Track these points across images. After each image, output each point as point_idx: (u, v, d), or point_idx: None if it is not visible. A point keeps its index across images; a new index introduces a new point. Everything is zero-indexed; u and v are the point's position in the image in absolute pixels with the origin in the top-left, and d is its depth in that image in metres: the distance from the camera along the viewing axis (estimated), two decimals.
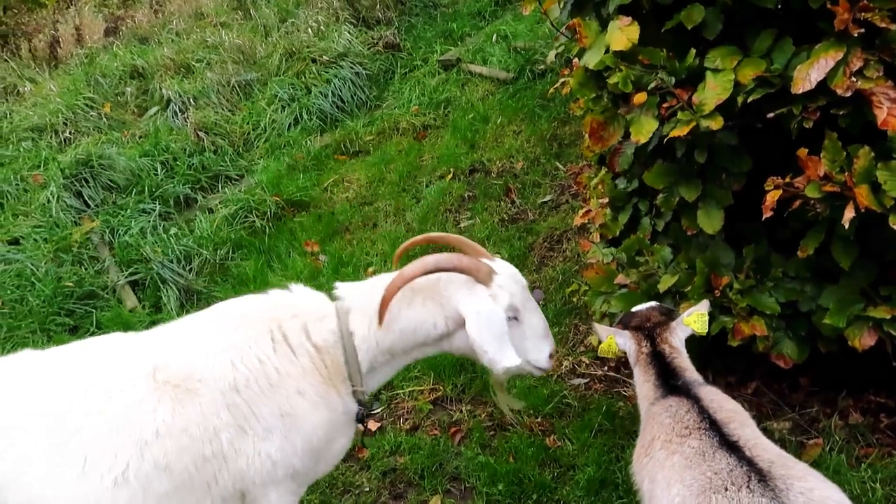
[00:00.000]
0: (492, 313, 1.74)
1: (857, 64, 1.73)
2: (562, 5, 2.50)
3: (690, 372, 1.82)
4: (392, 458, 2.78)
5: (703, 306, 1.90)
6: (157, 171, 5.49)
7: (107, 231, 4.84)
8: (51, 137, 6.26)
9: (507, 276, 1.83)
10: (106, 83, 7.04)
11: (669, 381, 1.78)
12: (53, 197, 5.09)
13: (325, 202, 5.07)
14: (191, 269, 4.48)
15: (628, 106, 2.08)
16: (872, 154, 1.80)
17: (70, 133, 6.29)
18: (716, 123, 1.91)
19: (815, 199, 1.86)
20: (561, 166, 4.58)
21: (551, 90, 4.46)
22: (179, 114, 6.35)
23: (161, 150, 5.67)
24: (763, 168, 2.06)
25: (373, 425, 2.95)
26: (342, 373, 1.80)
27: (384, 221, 4.60)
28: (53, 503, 1.55)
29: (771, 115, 1.92)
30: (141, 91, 6.95)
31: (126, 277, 4.36)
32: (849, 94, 1.74)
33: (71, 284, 4.27)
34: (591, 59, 2.10)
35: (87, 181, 5.24)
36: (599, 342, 1.95)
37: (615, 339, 1.90)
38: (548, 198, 4.34)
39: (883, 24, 1.69)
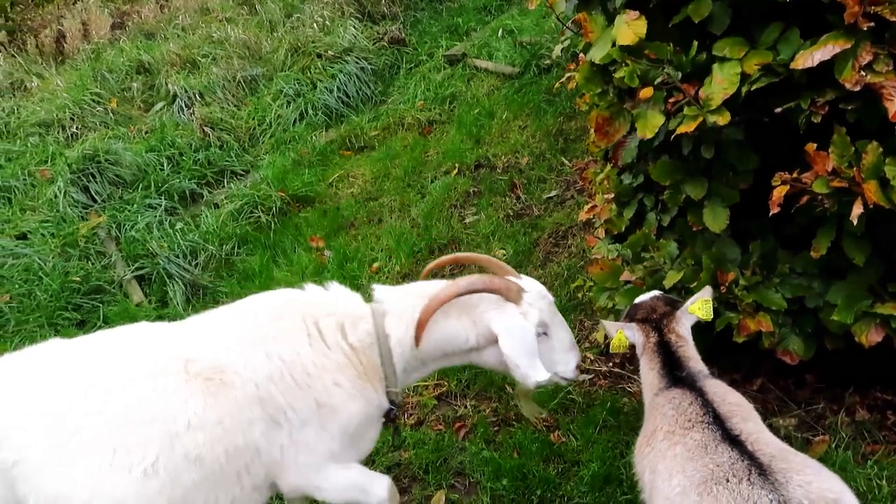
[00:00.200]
0: (523, 331, 1.83)
1: (866, 58, 1.72)
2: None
3: (695, 362, 1.83)
4: (396, 453, 2.78)
5: (707, 293, 1.92)
6: (163, 166, 5.51)
7: (113, 226, 4.86)
8: (58, 133, 6.29)
9: (536, 294, 1.91)
10: (112, 78, 7.06)
11: (674, 372, 1.79)
12: (60, 192, 5.11)
13: (330, 197, 5.07)
14: (197, 264, 4.49)
15: (634, 101, 2.07)
16: (881, 149, 1.79)
17: (77, 128, 6.31)
18: (723, 119, 1.90)
19: (822, 195, 1.84)
20: (566, 161, 4.56)
21: (557, 85, 4.44)
22: (185, 109, 6.36)
23: (167, 145, 5.69)
24: (770, 164, 2.05)
25: None
26: (378, 372, 1.87)
27: (389, 217, 4.60)
28: (80, 494, 1.56)
29: (779, 109, 1.91)
30: (147, 86, 6.97)
31: (132, 272, 4.38)
32: (858, 88, 1.73)
33: (78, 279, 4.29)
34: (597, 54, 2.09)
35: (93, 176, 5.26)
36: (607, 338, 1.95)
37: (624, 333, 1.91)
38: (553, 193, 4.33)
39: (893, 18, 1.68)
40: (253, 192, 5.04)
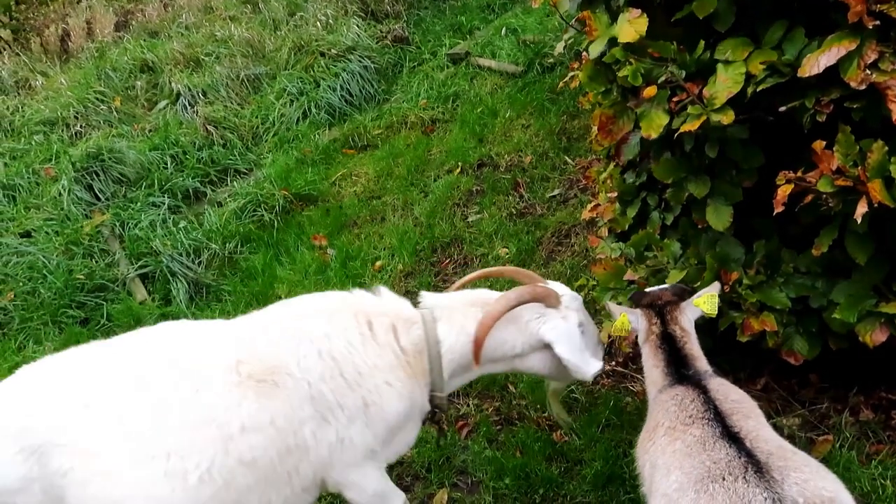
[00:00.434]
0: (570, 333, 1.96)
1: (871, 56, 1.71)
2: None
3: (701, 361, 1.82)
4: None
5: (715, 288, 1.92)
6: (166, 164, 5.52)
7: (117, 224, 4.87)
8: (62, 131, 6.31)
9: (570, 297, 2.03)
10: (116, 77, 7.07)
11: (680, 370, 1.79)
12: (65, 190, 5.13)
13: (333, 196, 5.07)
14: (200, 262, 4.50)
15: (638, 99, 2.06)
16: (886, 148, 1.78)
17: (81, 126, 6.33)
18: (727, 118, 1.89)
19: (827, 194, 1.83)
20: (570, 160, 4.56)
21: (560, 84, 4.43)
22: (189, 107, 6.37)
23: (171, 143, 5.70)
24: (774, 162, 2.04)
25: None
26: (425, 376, 1.91)
27: (392, 215, 4.60)
28: (134, 502, 1.54)
29: (783, 108, 1.90)
30: (151, 85, 6.98)
31: (136, 270, 4.39)
32: (863, 87, 1.72)
33: (82, 277, 4.31)
34: (595, 49, 2.09)
35: (97, 174, 5.27)
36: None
37: (628, 317, 1.91)
38: (556, 192, 4.32)
39: None
40: (256, 190, 5.04)
